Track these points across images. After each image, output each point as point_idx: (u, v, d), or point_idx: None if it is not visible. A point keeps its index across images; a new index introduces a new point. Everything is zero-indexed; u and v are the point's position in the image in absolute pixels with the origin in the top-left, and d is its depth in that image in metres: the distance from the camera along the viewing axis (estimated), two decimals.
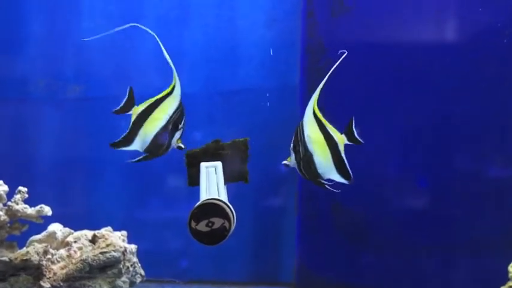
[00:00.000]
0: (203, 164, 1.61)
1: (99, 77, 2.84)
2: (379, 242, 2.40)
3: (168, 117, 1.75)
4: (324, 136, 1.69)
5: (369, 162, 2.35)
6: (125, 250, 2.12)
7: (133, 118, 1.76)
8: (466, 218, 2.27)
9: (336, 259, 2.48)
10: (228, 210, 1.47)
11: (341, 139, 1.69)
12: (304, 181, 1.80)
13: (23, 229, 2.10)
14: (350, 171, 1.68)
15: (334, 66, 1.68)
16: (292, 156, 1.71)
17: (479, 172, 2.28)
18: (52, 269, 2.04)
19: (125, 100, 1.78)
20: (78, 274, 2.03)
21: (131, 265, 2.17)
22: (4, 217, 2.05)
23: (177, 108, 1.77)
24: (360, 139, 1.69)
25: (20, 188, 2.09)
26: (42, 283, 2.00)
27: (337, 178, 1.70)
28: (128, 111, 1.78)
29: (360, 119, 2.34)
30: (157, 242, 2.76)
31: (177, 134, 1.78)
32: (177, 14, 2.83)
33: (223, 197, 1.56)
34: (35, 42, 2.88)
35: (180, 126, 1.77)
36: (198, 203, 1.48)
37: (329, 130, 1.69)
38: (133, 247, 2.20)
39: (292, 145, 1.71)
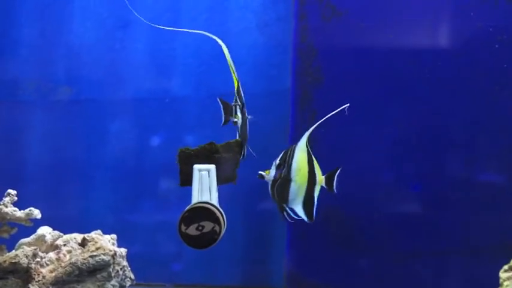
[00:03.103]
0: (196, 167, 1.59)
1: (90, 79, 2.83)
2: (370, 247, 2.40)
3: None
4: (308, 171, 1.68)
5: (360, 167, 2.35)
6: (115, 253, 2.11)
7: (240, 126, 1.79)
8: (457, 223, 2.27)
9: (326, 264, 2.48)
10: (218, 214, 1.46)
11: (320, 180, 1.69)
12: None
13: (12, 232, 2.08)
14: (314, 213, 1.69)
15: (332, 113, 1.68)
16: (272, 172, 1.70)
17: (471, 177, 2.28)
18: (41, 272, 2.03)
19: (223, 110, 1.79)
20: (67, 277, 2.02)
21: (121, 269, 2.16)
22: None
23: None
24: (335, 189, 1.69)
25: (9, 190, 2.07)
26: (31, 286, 1.98)
27: (300, 212, 1.69)
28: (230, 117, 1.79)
29: (351, 123, 2.36)
30: (147, 245, 2.75)
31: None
32: (169, 17, 2.82)
33: (215, 201, 1.55)
34: (26, 44, 2.87)
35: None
36: (188, 207, 1.48)
37: (315, 168, 1.68)
38: (123, 250, 2.19)
39: (278, 161, 1.69)
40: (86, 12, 2.83)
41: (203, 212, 1.46)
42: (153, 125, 2.84)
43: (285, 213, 1.70)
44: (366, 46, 2.39)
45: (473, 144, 2.27)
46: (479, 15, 2.21)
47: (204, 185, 1.57)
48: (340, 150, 2.37)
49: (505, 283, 1.76)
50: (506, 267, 1.81)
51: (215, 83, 2.80)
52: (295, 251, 2.57)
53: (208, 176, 1.58)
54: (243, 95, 1.81)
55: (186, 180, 1.63)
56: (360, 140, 2.38)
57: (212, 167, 1.60)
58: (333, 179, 1.68)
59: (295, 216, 1.70)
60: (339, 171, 1.68)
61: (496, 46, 2.18)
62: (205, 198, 1.54)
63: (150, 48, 2.85)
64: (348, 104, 1.66)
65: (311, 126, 1.69)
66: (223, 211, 1.51)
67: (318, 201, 1.68)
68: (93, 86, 2.83)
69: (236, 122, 1.79)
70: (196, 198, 1.55)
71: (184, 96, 2.78)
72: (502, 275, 1.80)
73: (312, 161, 1.68)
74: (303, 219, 1.70)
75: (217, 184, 1.62)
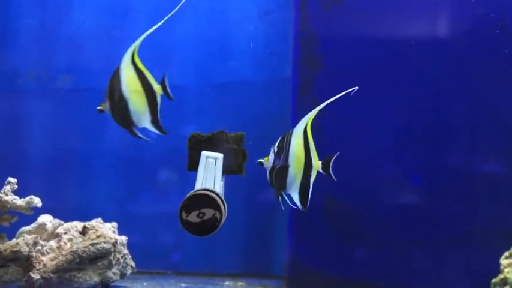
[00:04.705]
0: (204, 153, 1.58)
1: (90, 67, 2.82)
2: (371, 236, 2.40)
3: None
4: (305, 156, 1.66)
5: (362, 157, 2.35)
6: (116, 241, 2.12)
7: None
8: (458, 213, 2.27)
9: (327, 253, 2.48)
10: (219, 201, 1.46)
11: (317, 165, 1.66)
12: None
13: (13, 220, 2.08)
14: (308, 200, 1.66)
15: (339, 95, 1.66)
16: (271, 158, 1.68)
17: (472, 169, 2.28)
18: (42, 260, 2.03)
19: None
20: (68, 265, 2.03)
21: (122, 257, 2.16)
22: None
23: None
24: (333, 175, 1.66)
25: (10, 178, 2.07)
26: (31, 274, 1.99)
27: (296, 198, 1.67)
28: None
29: (352, 114, 2.35)
30: (148, 234, 2.75)
31: None
32: (168, 6, 2.81)
33: (218, 189, 1.55)
34: (25, 33, 2.86)
35: None
36: (189, 194, 1.47)
37: (311, 152, 1.66)
38: (123, 238, 2.19)
39: (276, 148, 1.68)
40: (86, 1, 2.82)
41: (204, 199, 1.45)
42: None
43: (280, 198, 1.69)
44: (366, 34, 2.39)
45: (474, 135, 2.27)
46: (480, 1, 2.20)
47: (209, 172, 1.56)
48: (340, 140, 2.37)
49: (506, 270, 1.77)
50: (507, 253, 1.81)
51: (215, 73, 2.80)
52: (296, 240, 2.57)
53: (215, 165, 1.58)
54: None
55: (193, 165, 1.62)
56: (361, 130, 2.38)
57: (220, 155, 1.59)
58: (329, 166, 1.65)
59: (291, 204, 1.69)
60: (335, 156, 1.66)
61: (497, 32, 2.18)
62: (209, 186, 1.53)
63: (150, 36, 2.84)
64: (356, 88, 1.65)
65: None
66: (225, 200, 1.51)
67: (314, 188, 1.66)
68: (93, 75, 2.82)
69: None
70: (200, 184, 1.54)
71: (184, 85, 2.77)
72: (503, 261, 1.80)
73: (309, 146, 1.66)
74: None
75: (224, 174, 1.62)
